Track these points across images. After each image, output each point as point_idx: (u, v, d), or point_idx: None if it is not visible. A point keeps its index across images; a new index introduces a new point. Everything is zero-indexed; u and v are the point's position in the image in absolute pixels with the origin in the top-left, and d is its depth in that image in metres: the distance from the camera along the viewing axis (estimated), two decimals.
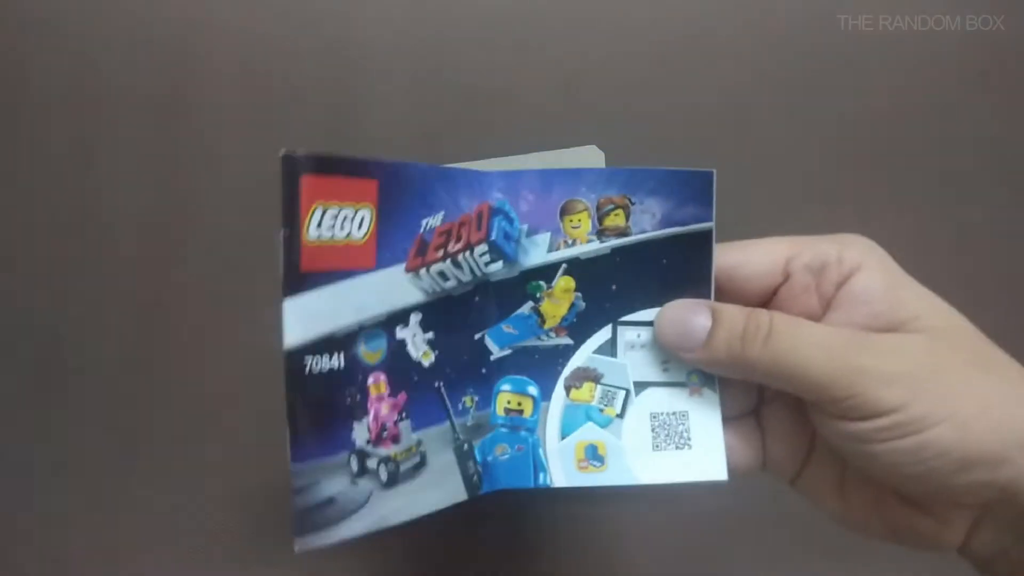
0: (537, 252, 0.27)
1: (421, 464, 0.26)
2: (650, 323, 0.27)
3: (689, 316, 0.25)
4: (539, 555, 0.43)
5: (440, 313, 0.26)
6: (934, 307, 0.24)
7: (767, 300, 0.27)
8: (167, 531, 0.42)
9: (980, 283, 0.44)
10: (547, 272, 0.27)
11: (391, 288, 0.25)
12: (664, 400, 0.27)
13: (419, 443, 0.26)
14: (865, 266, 0.25)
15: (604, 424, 0.27)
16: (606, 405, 0.27)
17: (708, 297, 0.27)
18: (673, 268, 0.27)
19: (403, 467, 0.25)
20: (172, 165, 0.44)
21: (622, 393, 0.27)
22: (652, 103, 0.44)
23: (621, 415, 0.27)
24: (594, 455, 0.27)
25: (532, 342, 0.28)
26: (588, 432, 0.27)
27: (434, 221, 0.26)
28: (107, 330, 0.43)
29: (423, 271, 0.25)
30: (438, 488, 0.26)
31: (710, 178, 0.27)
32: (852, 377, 0.22)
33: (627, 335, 0.27)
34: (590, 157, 0.43)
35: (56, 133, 0.45)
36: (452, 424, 0.27)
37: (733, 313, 0.25)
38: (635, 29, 0.44)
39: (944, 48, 0.45)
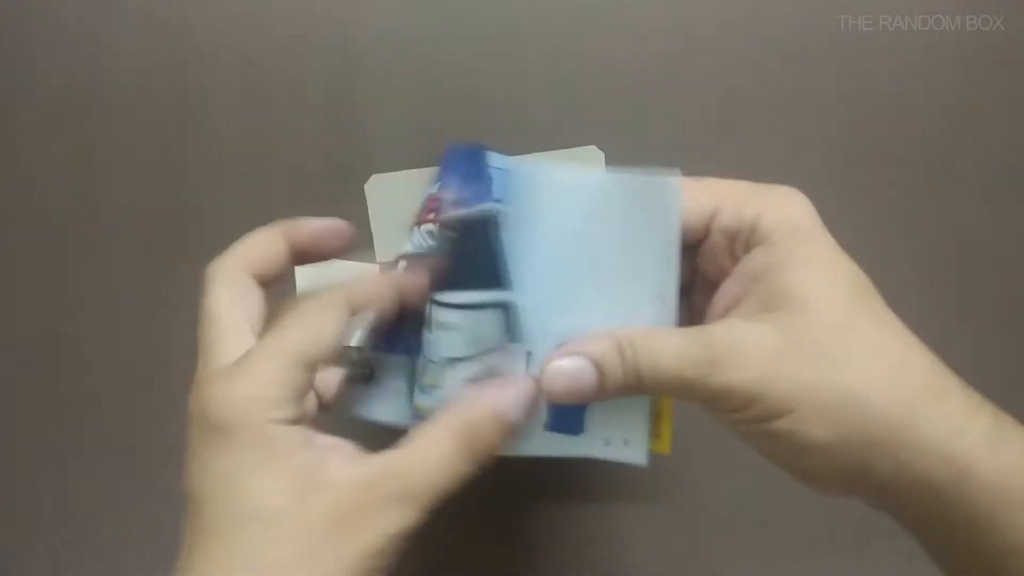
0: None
1: (370, 378, 0.30)
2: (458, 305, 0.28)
3: (580, 377, 0.26)
4: (539, 555, 0.43)
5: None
6: (818, 287, 0.25)
7: (694, 247, 0.28)
8: (166, 532, 0.42)
9: (980, 283, 0.44)
10: None
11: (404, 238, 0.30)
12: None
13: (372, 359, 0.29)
14: (770, 239, 0.26)
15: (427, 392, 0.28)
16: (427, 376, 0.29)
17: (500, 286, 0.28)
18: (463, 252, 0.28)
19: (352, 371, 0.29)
20: (172, 165, 0.44)
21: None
22: (652, 103, 0.44)
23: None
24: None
25: None
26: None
27: (433, 189, 0.30)
28: (108, 330, 0.43)
29: (416, 228, 0.30)
30: (385, 404, 0.30)
31: (479, 157, 0.29)
32: (701, 390, 0.24)
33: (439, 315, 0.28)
34: (590, 157, 0.43)
35: (56, 132, 0.45)
36: (412, 361, 0.29)
37: (609, 359, 0.25)
38: (635, 29, 0.44)
39: (944, 48, 0.45)
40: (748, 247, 0.26)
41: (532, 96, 0.44)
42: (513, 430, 0.26)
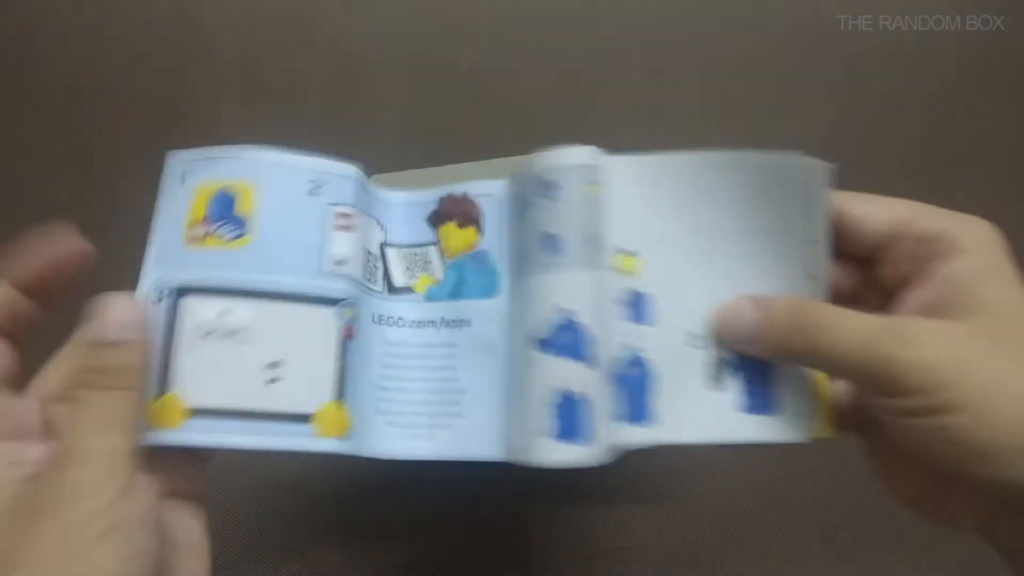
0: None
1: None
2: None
3: (740, 315, 0.27)
4: (540, 555, 0.43)
5: None
6: (1011, 301, 0.25)
7: (875, 254, 0.28)
8: None
9: None
10: None
11: None
12: None
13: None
14: (965, 251, 0.26)
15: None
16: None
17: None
18: None
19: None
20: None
21: None
22: (652, 103, 0.44)
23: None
24: None
25: None
26: None
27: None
28: None
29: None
30: None
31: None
32: (882, 364, 0.23)
33: None
34: None
35: (56, 130, 0.45)
36: None
37: (779, 310, 0.26)
38: (635, 29, 0.44)
39: (944, 48, 0.45)
40: (942, 257, 0.26)
41: (532, 96, 0.44)
42: None
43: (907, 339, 0.23)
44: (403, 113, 0.44)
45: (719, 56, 0.44)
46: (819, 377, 0.28)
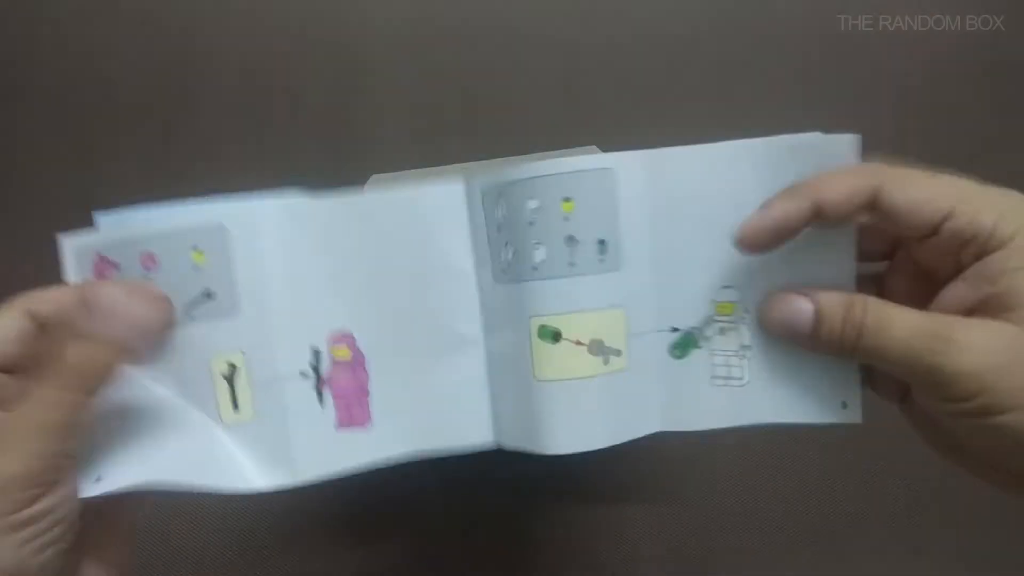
0: None
1: None
2: None
3: (794, 310, 0.27)
4: (541, 555, 0.43)
5: None
6: None
7: (926, 236, 0.27)
8: (164, 535, 0.42)
9: None
10: None
11: None
12: None
13: None
14: (1008, 244, 0.25)
15: None
16: None
17: None
18: None
19: None
20: (173, 165, 0.44)
21: None
22: (652, 103, 0.44)
23: None
24: None
25: None
26: None
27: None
28: None
29: None
30: None
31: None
32: (933, 366, 0.24)
33: None
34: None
35: (56, 131, 0.45)
36: None
37: (834, 308, 0.26)
38: (635, 30, 0.44)
39: (944, 48, 0.45)
40: (981, 253, 0.26)
41: (532, 96, 0.44)
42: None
43: (955, 346, 0.23)
44: (403, 113, 0.44)
45: (719, 56, 0.44)
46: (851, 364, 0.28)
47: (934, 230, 0.26)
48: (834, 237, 0.27)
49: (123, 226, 0.28)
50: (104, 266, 0.28)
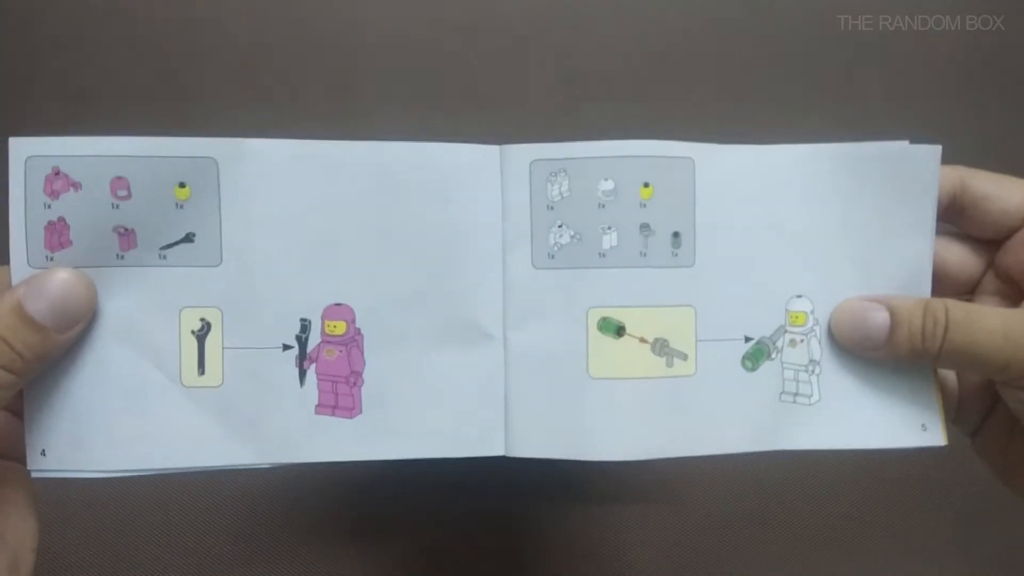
0: None
1: None
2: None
3: (867, 316, 0.25)
4: (540, 555, 0.43)
5: None
6: None
7: (1004, 237, 0.27)
8: (164, 535, 0.42)
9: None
10: None
11: None
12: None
13: None
14: None
15: None
16: None
17: None
18: None
19: None
20: None
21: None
22: (652, 103, 0.44)
23: None
24: None
25: None
26: None
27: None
28: None
29: None
30: None
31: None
32: None
33: None
34: None
35: (55, 131, 0.44)
36: None
37: (910, 310, 0.25)
38: (635, 29, 0.44)
39: (944, 48, 0.45)
40: None
41: (532, 96, 0.44)
42: None
43: None
44: (403, 112, 0.44)
45: (718, 56, 0.44)
46: (932, 381, 0.26)
47: (1009, 231, 0.26)
48: (910, 250, 0.26)
49: (95, 142, 0.25)
50: (60, 183, 0.24)
